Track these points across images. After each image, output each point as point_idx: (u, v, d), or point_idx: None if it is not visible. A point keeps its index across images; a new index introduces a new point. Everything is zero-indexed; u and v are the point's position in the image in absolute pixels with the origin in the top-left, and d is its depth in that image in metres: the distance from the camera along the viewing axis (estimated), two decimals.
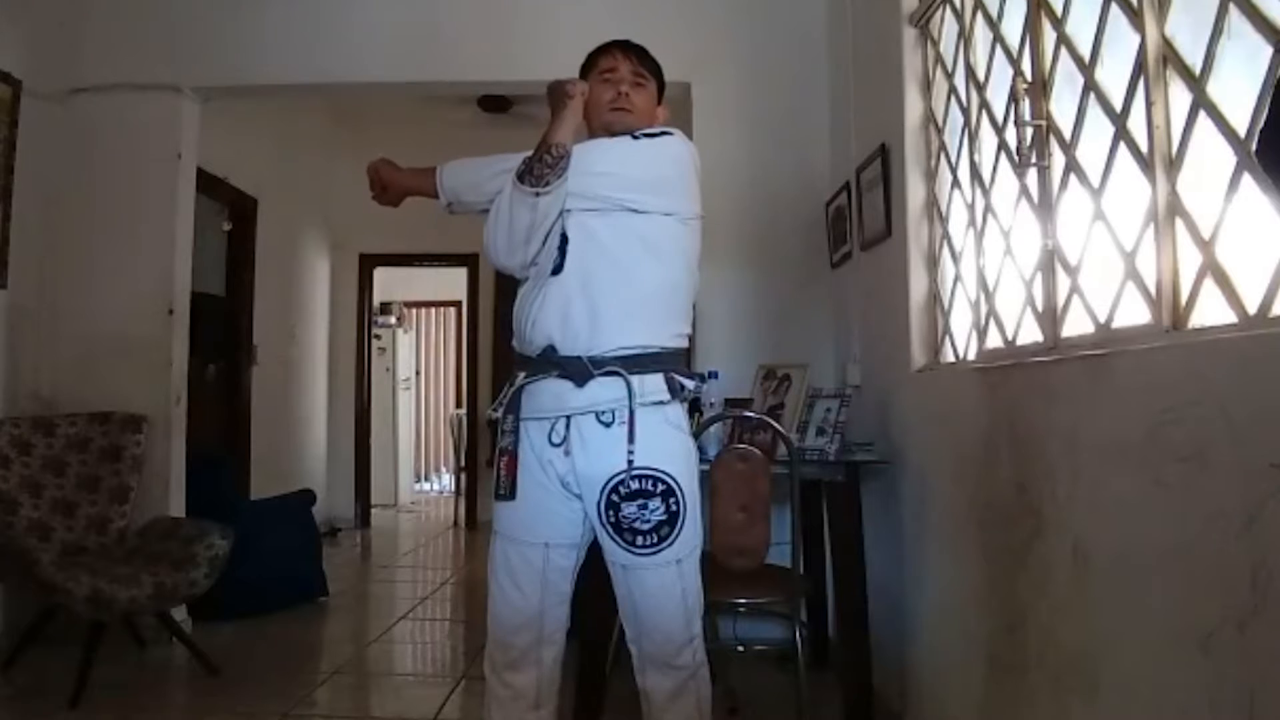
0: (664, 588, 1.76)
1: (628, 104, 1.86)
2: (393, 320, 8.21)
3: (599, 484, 1.73)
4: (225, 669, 3.09)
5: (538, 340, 1.76)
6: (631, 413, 1.72)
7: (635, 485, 1.72)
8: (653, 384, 1.75)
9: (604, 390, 1.72)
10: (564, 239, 1.76)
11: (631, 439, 1.71)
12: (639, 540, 1.74)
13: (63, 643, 2.92)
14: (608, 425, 1.73)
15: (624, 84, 1.87)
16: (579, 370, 1.72)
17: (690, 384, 1.82)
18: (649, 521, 1.73)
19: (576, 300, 1.74)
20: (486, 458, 6.71)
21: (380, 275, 7.17)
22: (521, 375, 1.79)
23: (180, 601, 3.20)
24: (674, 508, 1.74)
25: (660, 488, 1.73)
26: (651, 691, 1.82)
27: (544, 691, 1.84)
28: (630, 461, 1.71)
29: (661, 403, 1.76)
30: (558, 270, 1.75)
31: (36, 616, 3.06)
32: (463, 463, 7.21)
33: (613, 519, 1.74)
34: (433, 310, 9.81)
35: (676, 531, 1.75)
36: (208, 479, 3.84)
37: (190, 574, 2.97)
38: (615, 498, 1.73)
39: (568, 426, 1.74)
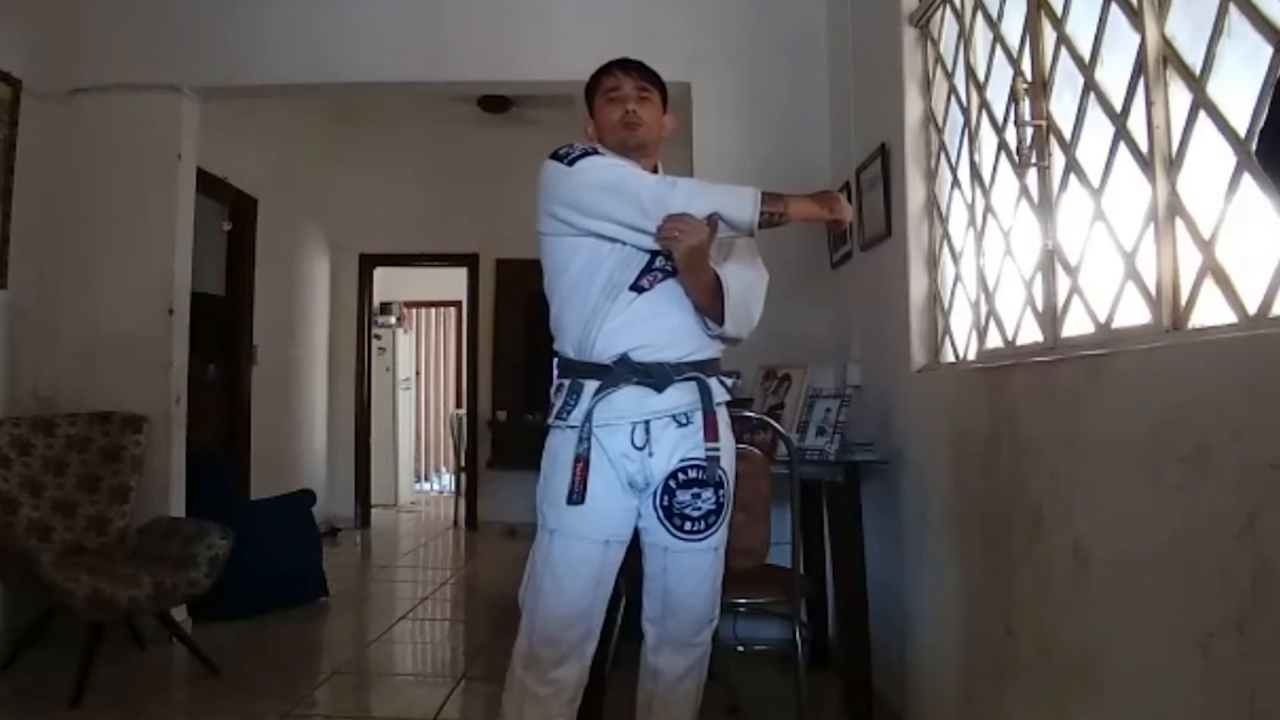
0: (700, 570, 1.92)
1: (636, 119, 1.94)
2: (393, 320, 8.20)
3: (665, 474, 1.86)
4: (225, 669, 3.09)
5: (611, 349, 1.83)
6: (713, 412, 1.87)
7: (693, 474, 1.86)
8: (716, 386, 1.91)
9: (682, 395, 1.86)
10: (658, 262, 1.85)
11: (717, 435, 1.86)
12: (687, 526, 1.88)
13: (63, 643, 2.92)
14: (682, 425, 1.86)
15: (630, 101, 1.94)
16: (662, 376, 1.83)
17: (729, 382, 1.99)
18: (700, 509, 1.88)
19: (665, 315, 1.85)
20: (487, 458, 6.72)
21: (380, 275, 7.17)
22: (595, 385, 1.83)
23: (180, 601, 3.20)
24: (721, 499, 1.91)
25: (715, 479, 1.88)
26: (664, 670, 1.95)
27: (579, 686, 1.92)
28: (717, 456, 1.85)
29: (722, 403, 1.93)
30: (643, 289, 1.84)
31: (36, 616, 3.05)
32: (463, 463, 7.20)
33: (665, 503, 1.87)
34: (433, 310, 9.81)
35: (721, 521, 1.92)
36: (208, 479, 3.84)
37: (190, 574, 2.97)
38: (673, 484, 1.87)
39: (648, 429, 1.84)
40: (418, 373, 9.22)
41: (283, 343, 5.72)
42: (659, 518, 1.88)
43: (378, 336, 7.52)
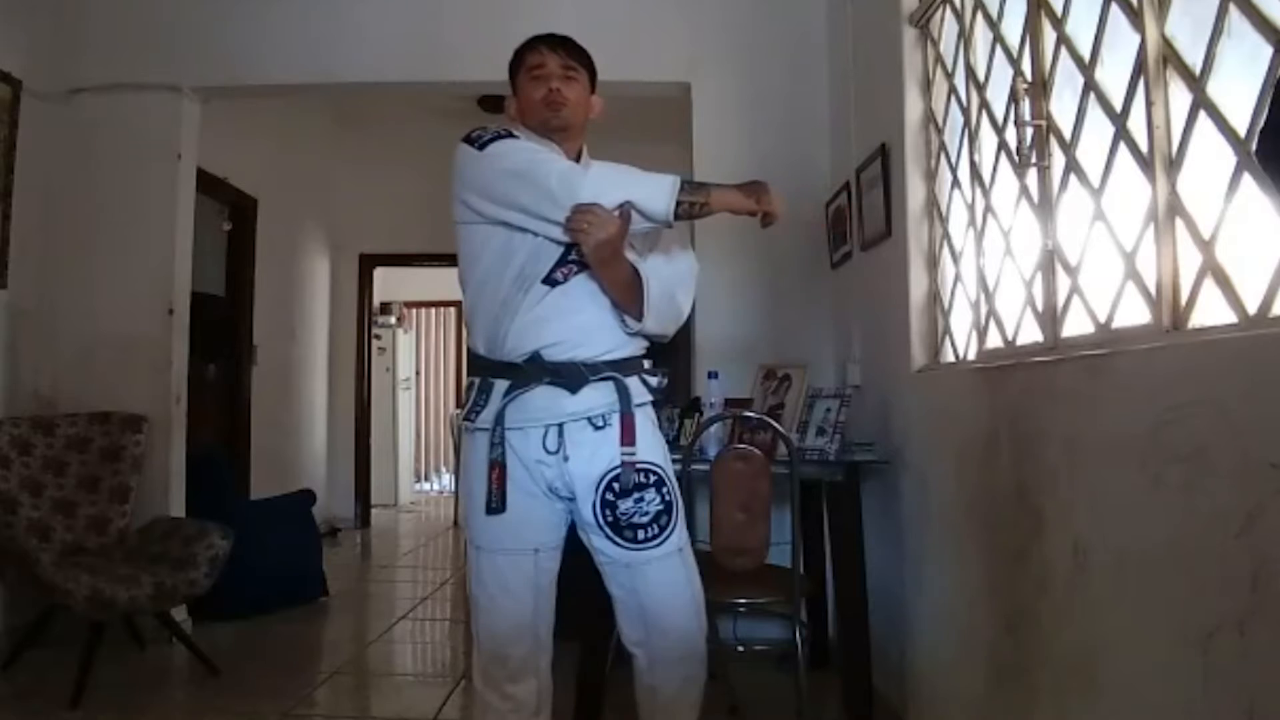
0: (672, 580, 1.79)
1: (560, 99, 1.81)
2: (393, 320, 8.20)
3: (593, 483, 1.75)
4: (225, 669, 3.09)
5: (522, 347, 1.73)
6: (630, 415, 1.75)
7: (630, 480, 1.74)
8: (636, 386, 1.80)
9: (598, 395, 1.75)
10: (574, 254, 1.73)
11: (632, 440, 1.74)
12: (640, 534, 1.76)
13: (63, 643, 2.92)
14: (599, 428, 1.75)
15: (554, 79, 1.82)
16: (575, 376, 1.72)
17: (654, 381, 1.86)
18: (647, 514, 1.76)
19: (579, 311, 1.74)
20: None
21: (380, 275, 7.16)
22: (505, 384, 1.74)
23: (180, 601, 3.20)
24: (667, 497, 1.79)
25: (653, 479, 1.77)
26: (661, 687, 1.82)
27: (542, 698, 1.84)
28: (630, 461, 1.73)
29: (643, 403, 1.82)
30: (557, 282, 1.74)
31: (36, 616, 3.06)
32: None
33: (610, 518, 1.75)
34: (433, 310, 9.81)
35: (674, 520, 1.79)
36: (208, 479, 3.84)
37: (190, 574, 2.97)
38: (610, 495, 1.74)
39: (561, 433, 1.74)
40: (418, 373, 9.22)
41: (283, 343, 5.71)
42: (607, 535, 1.76)
43: (378, 336, 7.52)
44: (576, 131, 1.87)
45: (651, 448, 1.79)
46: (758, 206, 1.69)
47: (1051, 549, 1.70)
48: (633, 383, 1.79)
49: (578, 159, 1.85)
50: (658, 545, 1.77)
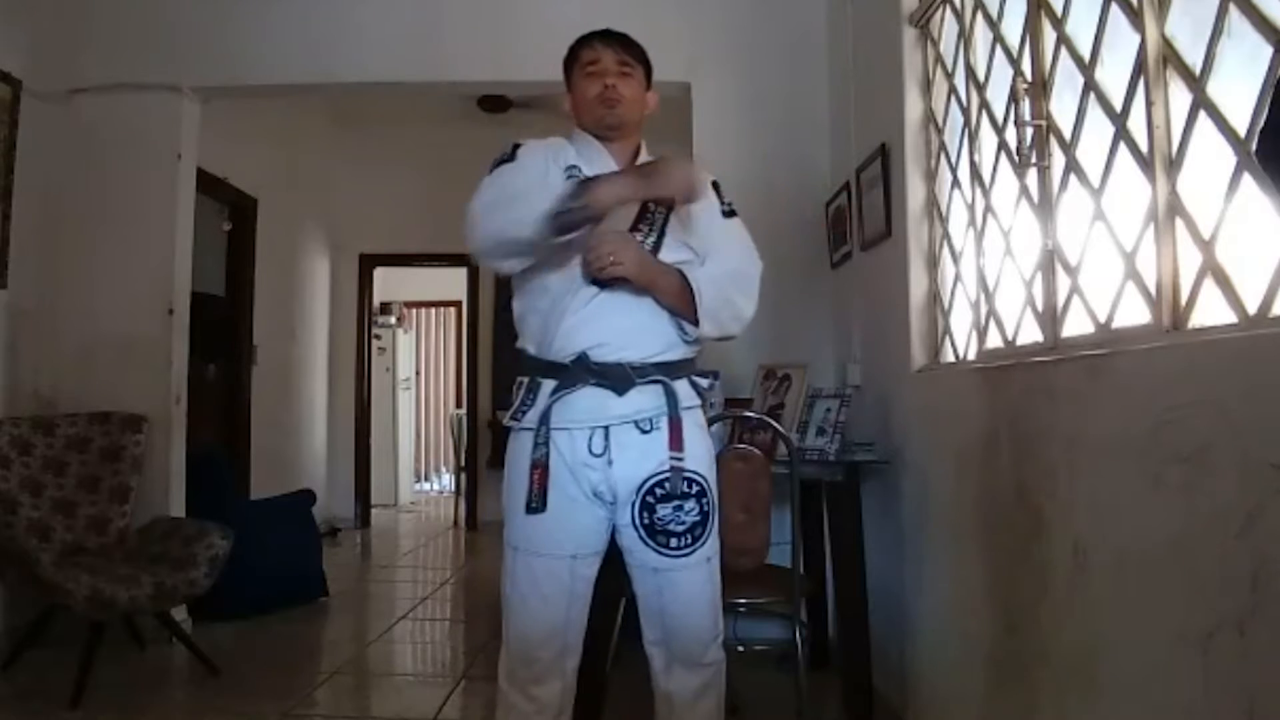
0: (697, 587, 1.78)
1: (615, 96, 1.79)
2: (393, 320, 8.21)
3: (635, 487, 1.73)
4: (225, 669, 3.09)
5: (569, 347, 1.70)
6: (678, 419, 1.73)
7: (678, 486, 1.72)
8: (684, 389, 1.77)
9: (645, 398, 1.72)
10: None
11: (680, 445, 1.72)
12: (673, 542, 1.74)
13: (63, 643, 2.92)
14: (646, 432, 1.73)
15: (609, 75, 1.80)
16: (621, 377, 1.70)
17: (705, 383, 1.84)
18: (684, 523, 1.73)
19: (627, 312, 1.72)
20: (487, 458, 6.72)
21: (380, 275, 7.17)
22: (552, 384, 1.72)
23: (180, 601, 3.20)
24: (705, 508, 1.76)
25: (695, 489, 1.75)
26: (676, 693, 1.81)
27: (565, 700, 1.82)
28: (679, 467, 1.71)
29: (692, 407, 1.79)
30: (604, 284, 1.70)
31: (36, 616, 3.06)
32: (463, 463, 7.20)
33: (646, 522, 1.73)
34: (433, 310, 9.81)
35: (708, 531, 1.77)
36: (208, 479, 3.84)
37: (190, 574, 2.97)
38: (651, 499, 1.72)
39: (607, 435, 1.72)
40: (418, 373, 9.23)
41: (283, 343, 5.71)
42: (641, 538, 1.73)
43: (378, 336, 7.52)
44: (632, 128, 1.85)
45: (699, 456, 1.76)
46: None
47: (1051, 549, 1.70)
48: (681, 386, 1.76)
49: (635, 156, 1.85)
50: (689, 554, 1.75)
